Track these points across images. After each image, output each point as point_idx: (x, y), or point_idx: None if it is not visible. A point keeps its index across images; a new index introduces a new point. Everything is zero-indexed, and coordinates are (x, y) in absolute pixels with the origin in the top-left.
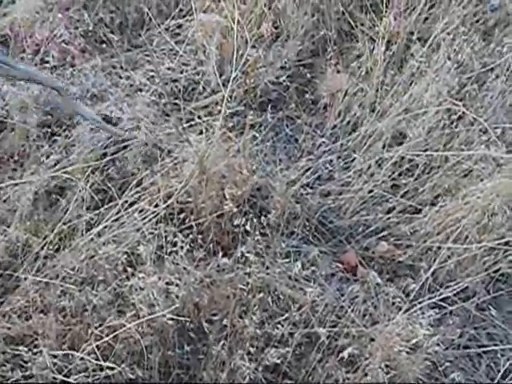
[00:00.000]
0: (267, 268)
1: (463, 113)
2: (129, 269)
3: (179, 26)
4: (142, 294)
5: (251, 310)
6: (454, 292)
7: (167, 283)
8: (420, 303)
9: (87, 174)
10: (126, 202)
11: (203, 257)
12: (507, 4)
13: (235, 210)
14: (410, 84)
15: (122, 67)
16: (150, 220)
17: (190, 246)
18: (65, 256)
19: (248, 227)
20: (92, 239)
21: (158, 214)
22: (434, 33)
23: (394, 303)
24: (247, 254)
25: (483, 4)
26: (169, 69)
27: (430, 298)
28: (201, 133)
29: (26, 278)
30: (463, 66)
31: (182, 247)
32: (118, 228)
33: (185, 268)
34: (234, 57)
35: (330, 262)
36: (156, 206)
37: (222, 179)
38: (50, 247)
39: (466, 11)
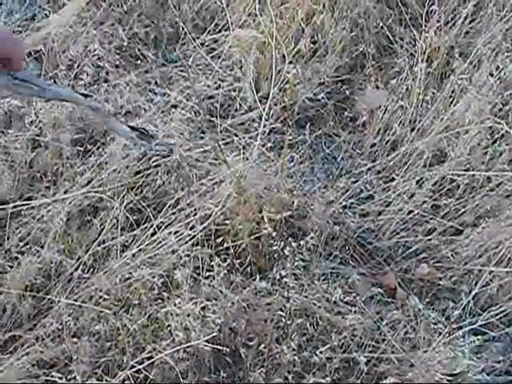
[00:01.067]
0: (305, 291)
1: (506, 131)
2: (164, 293)
3: (215, 41)
4: (177, 319)
5: (289, 335)
6: (497, 317)
7: (203, 308)
8: (461, 328)
9: (122, 193)
10: (162, 223)
11: (240, 281)
12: None
13: (273, 232)
14: (451, 101)
15: (156, 83)
16: (186, 242)
17: (226, 269)
18: (99, 278)
19: (286, 250)
20: (127, 261)
21: (194, 236)
22: (475, 48)
23: (434, 327)
24: (285, 279)
25: None
26: (204, 85)
27: (471, 323)
28: (237, 150)
29: (59, 301)
30: (506, 82)
31: (218, 271)
32: (153, 250)
33: (221, 292)
34: (272, 73)
35: (368, 285)
36: (192, 228)
37: (259, 200)
38: (84, 269)
39: (508, 25)
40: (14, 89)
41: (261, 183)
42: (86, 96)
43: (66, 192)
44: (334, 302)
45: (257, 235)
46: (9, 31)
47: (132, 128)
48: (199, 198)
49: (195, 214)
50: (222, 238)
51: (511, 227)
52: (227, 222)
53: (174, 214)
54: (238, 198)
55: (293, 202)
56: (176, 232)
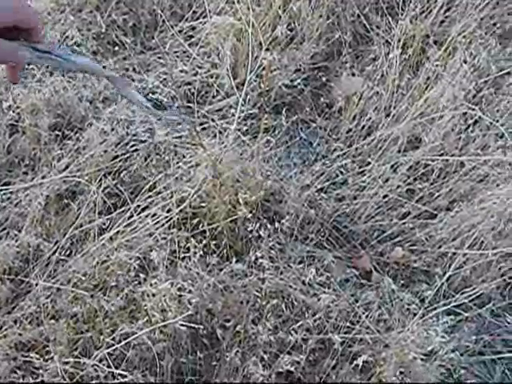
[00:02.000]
0: (281, 273)
1: (479, 117)
2: (141, 275)
3: (193, 29)
4: (154, 300)
5: (265, 316)
6: (470, 298)
7: (179, 289)
8: (435, 309)
9: (99, 178)
10: (139, 206)
11: (216, 263)
12: None
13: (249, 215)
14: (426, 88)
15: (134, 69)
16: (163, 225)
17: (203, 251)
18: (76, 261)
19: (262, 232)
20: (104, 244)
21: (171, 218)
22: (450, 36)
23: (408, 309)
24: (261, 260)
25: (500, 7)
26: (182, 71)
27: (444, 305)
28: (214, 136)
29: (37, 284)
30: (479, 69)
31: (195, 253)
32: (131, 233)
33: (197, 273)
34: (249, 60)
35: (344, 267)
36: (169, 210)
37: (235, 183)
38: (62, 252)
39: (482, 14)
40: (37, 61)
41: (237, 167)
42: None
43: (44, 177)
44: (310, 284)
45: (233, 218)
46: (28, 4)
47: (147, 98)
48: (176, 181)
49: (171, 197)
50: (198, 220)
51: (484, 211)
52: (203, 204)
53: (150, 197)
54: (213, 181)
55: (270, 186)
56: (154, 215)
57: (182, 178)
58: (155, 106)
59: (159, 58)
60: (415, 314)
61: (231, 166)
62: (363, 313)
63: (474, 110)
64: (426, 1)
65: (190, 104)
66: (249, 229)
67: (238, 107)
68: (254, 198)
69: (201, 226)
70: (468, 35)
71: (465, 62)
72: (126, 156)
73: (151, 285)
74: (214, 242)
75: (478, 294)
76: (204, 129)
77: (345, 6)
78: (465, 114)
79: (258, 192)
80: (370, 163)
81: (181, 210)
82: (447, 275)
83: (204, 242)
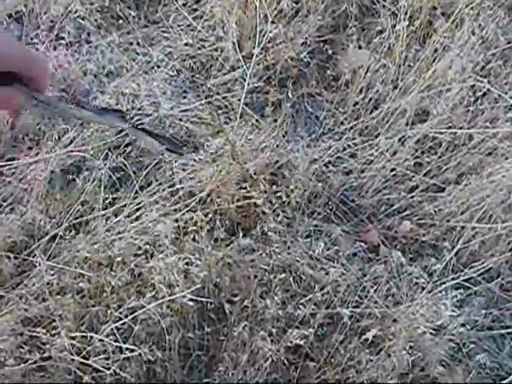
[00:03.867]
0: (289, 248)
1: (488, 89)
2: (148, 249)
3: (197, 1)
4: (161, 274)
5: (273, 291)
6: (478, 272)
7: (187, 263)
8: (443, 283)
9: (104, 152)
10: (144, 180)
11: (224, 237)
12: None
13: (256, 189)
14: (434, 60)
15: (138, 43)
16: (169, 199)
17: (210, 225)
18: (82, 237)
19: (268, 208)
20: (109, 218)
21: (177, 193)
22: (457, 8)
23: (417, 283)
24: (269, 233)
25: None
26: (186, 45)
27: (453, 279)
28: (219, 108)
29: (40, 264)
30: (488, 41)
31: (201, 227)
32: (136, 207)
33: (205, 248)
34: (254, 33)
35: (352, 242)
36: (173, 185)
37: (242, 156)
38: (68, 228)
39: None
40: (32, 109)
41: (243, 141)
42: (116, 111)
43: (48, 152)
44: (317, 259)
45: (241, 192)
46: (36, 53)
47: (162, 138)
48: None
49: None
50: (206, 195)
51: (493, 184)
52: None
53: (156, 175)
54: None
55: (277, 161)
56: (158, 189)
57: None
58: (170, 149)
59: (163, 31)
60: (424, 288)
61: (238, 141)
62: (371, 287)
63: (482, 82)
64: None
65: (194, 78)
66: (256, 203)
67: (247, 81)
68: (261, 172)
69: (209, 200)
70: (476, 6)
71: (473, 33)
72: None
73: (157, 260)
74: (221, 217)
75: (486, 268)
76: (209, 102)
77: None
78: (473, 86)
79: (265, 166)
80: (377, 136)
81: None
82: (456, 249)
83: (211, 215)
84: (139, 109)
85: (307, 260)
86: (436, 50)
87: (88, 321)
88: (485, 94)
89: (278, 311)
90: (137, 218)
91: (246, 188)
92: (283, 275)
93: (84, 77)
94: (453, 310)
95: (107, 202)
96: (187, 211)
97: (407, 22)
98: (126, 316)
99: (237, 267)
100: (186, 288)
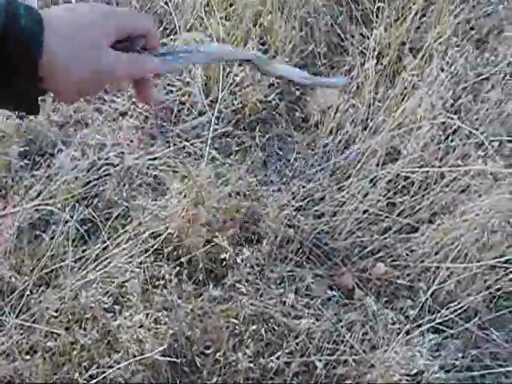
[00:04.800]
0: (261, 295)
1: (458, 126)
2: (116, 306)
3: (163, 45)
4: (130, 332)
5: (245, 343)
6: (456, 313)
7: (155, 320)
8: (420, 326)
9: (71, 204)
10: (112, 233)
11: (193, 289)
12: (500, 10)
13: (226, 237)
14: (403, 98)
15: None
16: (138, 254)
17: (178, 278)
18: (50, 293)
19: (239, 258)
20: (78, 274)
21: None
22: (426, 43)
23: (392, 327)
24: (238, 284)
25: (476, 10)
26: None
27: (430, 321)
28: (189, 154)
29: (8, 322)
30: (457, 76)
31: (170, 280)
32: (105, 261)
33: (173, 301)
34: (221, 76)
35: (326, 286)
36: (143, 235)
37: (211, 209)
38: (37, 283)
39: (458, 19)
40: (168, 68)
41: (215, 192)
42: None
43: (15, 206)
44: (291, 306)
45: (209, 243)
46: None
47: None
48: (150, 207)
49: (146, 230)
50: (174, 247)
51: (466, 223)
52: (179, 236)
53: (124, 225)
54: (193, 209)
55: (248, 207)
56: (128, 239)
57: (155, 205)
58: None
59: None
60: (400, 332)
61: (209, 190)
62: (347, 332)
63: (452, 119)
64: (401, 7)
65: (163, 123)
66: (226, 254)
67: (212, 125)
68: (230, 220)
69: (176, 253)
70: (444, 42)
71: (442, 69)
72: (98, 181)
73: (125, 318)
74: (190, 268)
75: (463, 307)
76: (178, 149)
77: (318, 17)
78: (443, 123)
79: (234, 213)
80: (348, 178)
81: (155, 238)
82: (431, 290)
83: (180, 268)
84: (106, 159)
85: (280, 307)
86: (405, 88)
87: (58, 380)
88: (455, 130)
89: (250, 363)
90: (105, 272)
91: (214, 236)
92: (255, 326)
93: (50, 128)
94: (429, 358)
95: (76, 254)
96: (155, 260)
97: (375, 61)
98: (97, 376)
99: (208, 318)
100: (156, 344)
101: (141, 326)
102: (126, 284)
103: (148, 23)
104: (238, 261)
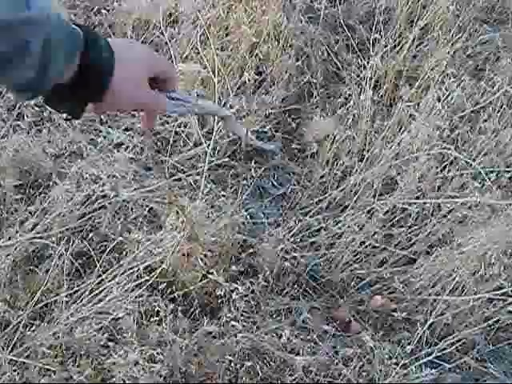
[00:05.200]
0: (258, 328)
1: (455, 157)
2: (110, 343)
3: None
4: (124, 369)
5: (240, 378)
6: (453, 346)
7: (150, 358)
8: (417, 359)
9: (66, 237)
10: (107, 268)
11: (189, 324)
12: (497, 38)
13: (222, 271)
14: (400, 129)
15: (101, 122)
16: (133, 290)
17: (173, 313)
18: (44, 328)
19: (234, 294)
20: (72, 308)
21: (140, 283)
22: (423, 73)
23: (390, 359)
24: (233, 322)
25: (473, 38)
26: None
27: (427, 354)
28: (183, 186)
29: (1, 358)
30: (454, 106)
31: (165, 315)
32: (100, 295)
33: (168, 336)
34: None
35: (322, 319)
36: (138, 276)
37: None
38: (32, 316)
39: (455, 47)
40: (173, 111)
41: (211, 225)
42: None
43: (10, 238)
44: (288, 339)
45: (205, 279)
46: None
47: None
48: (145, 241)
49: (143, 262)
50: (168, 283)
51: (464, 255)
52: (174, 271)
53: (119, 260)
54: (189, 243)
55: (244, 241)
56: (122, 273)
57: (150, 239)
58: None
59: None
60: (397, 365)
61: (203, 222)
62: (344, 366)
63: (449, 149)
64: (398, 35)
65: (158, 155)
66: (221, 291)
67: (207, 157)
68: (227, 254)
69: (172, 287)
70: (440, 71)
71: (438, 99)
72: (93, 214)
73: (119, 356)
74: (186, 303)
75: (461, 340)
76: (174, 180)
77: (314, 46)
78: (440, 154)
79: (230, 247)
80: (345, 209)
81: (150, 272)
82: (429, 322)
83: (175, 303)
84: (101, 191)
85: (276, 341)
86: (402, 118)
87: None
88: (452, 161)
89: None
90: (100, 307)
91: (209, 272)
92: (250, 362)
93: (45, 160)
94: None
95: (70, 288)
96: (149, 295)
97: (372, 91)
98: None
99: (203, 354)
100: (151, 381)
101: (136, 364)
102: (120, 321)
103: (173, 71)
104: (234, 296)
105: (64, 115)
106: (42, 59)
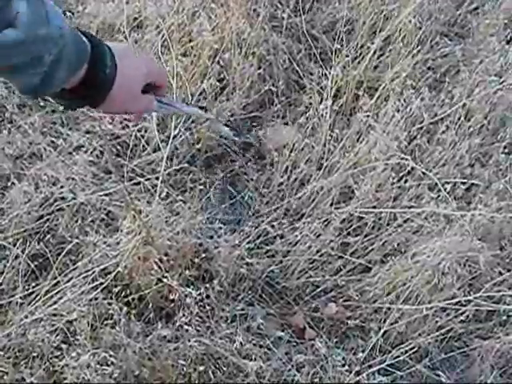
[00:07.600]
0: (212, 333)
1: (412, 167)
2: (63, 345)
3: None
4: (76, 372)
5: (193, 382)
6: (406, 354)
7: (103, 360)
8: (370, 367)
9: (22, 239)
10: (63, 270)
11: (143, 328)
12: (457, 51)
13: (177, 276)
14: (358, 138)
15: (62, 124)
16: (89, 291)
17: (128, 317)
18: None
19: (189, 298)
20: (27, 310)
21: (95, 286)
22: (382, 83)
23: (343, 366)
24: (186, 327)
25: (433, 51)
26: (110, 124)
27: (380, 362)
28: (143, 190)
29: None
30: (412, 117)
31: (119, 319)
32: (55, 298)
33: (122, 339)
34: None
35: (277, 325)
36: (94, 279)
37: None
38: None
39: (416, 59)
40: (160, 111)
41: (167, 229)
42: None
43: None
44: (242, 344)
45: (160, 282)
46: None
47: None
48: (101, 244)
49: (99, 265)
50: (123, 286)
51: (418, 264)
52: (130, 274)
53: (75, 262)
54: (144, 247)
55: (200, 244)
56: (78, 275)
57: (106, 242)
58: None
59: (88, 110)
60: (350, 372)
61: (159, 226)
62: (297, 372)
63: (406, 159)
64: (360, 46)
65: (118, 158)
66: (175, 295)
67: (163, 162)
68: (182, 259)
69: (126, 291)
70: (400, 82)
71: (397, 110)
72: (50, 216)
73: (71, 358)
74: (141, 306)
75: (414, 348)
76: (134, 184)
77: (277, 54)
78: (398, 164)
79: (187, 252)
80: (302, 217)
81: (106, 275)
82: (382, 330)
83: (129, 306)
84: (59, 194)
85: (230, 347)
86: (361, 128)
87: None
88: (409, 171)
89: None
90: (54, 309)
91: (164, 276)
92: (203, 367)
93: (4, 160)
94: None
95: (26, 290)
96: (104, 298)
97: (332, 101)
98: None
99: (156, 358)
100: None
101: (88, 366)
102: (75, 323)
103: (166, 79)
104: (188, 300)
105: (61, 108)
106: (50, 70)
